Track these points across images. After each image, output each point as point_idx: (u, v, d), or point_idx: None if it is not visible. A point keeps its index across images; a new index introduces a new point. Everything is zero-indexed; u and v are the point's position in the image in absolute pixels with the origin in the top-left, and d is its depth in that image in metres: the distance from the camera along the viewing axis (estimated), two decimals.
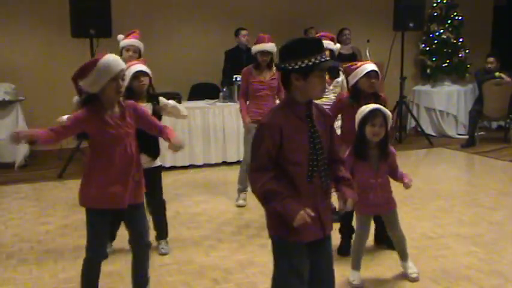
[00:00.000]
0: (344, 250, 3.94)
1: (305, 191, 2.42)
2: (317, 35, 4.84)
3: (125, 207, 2.98)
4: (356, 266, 3.59)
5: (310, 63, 2.33)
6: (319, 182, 2.44)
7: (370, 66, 3.86)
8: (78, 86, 2.88)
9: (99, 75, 2.80)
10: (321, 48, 2.39)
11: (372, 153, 3.41)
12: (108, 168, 2.91)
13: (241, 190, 5.44)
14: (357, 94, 3.90)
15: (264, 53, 5.21)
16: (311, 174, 2.41)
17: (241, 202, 5.38)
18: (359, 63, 3.95)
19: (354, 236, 3.67)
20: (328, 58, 2.44)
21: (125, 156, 2.94)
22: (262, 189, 2.38)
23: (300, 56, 2.34)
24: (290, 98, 2.44)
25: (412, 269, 3.63)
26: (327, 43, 4.61)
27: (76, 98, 3.31)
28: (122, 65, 2.88)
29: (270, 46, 5.22)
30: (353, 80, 3.92)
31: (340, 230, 4.02)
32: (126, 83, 2.98)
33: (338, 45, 4.88)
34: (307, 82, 2.36)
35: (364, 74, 3.83)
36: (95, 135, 2.92)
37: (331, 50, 4.69)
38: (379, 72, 3.90)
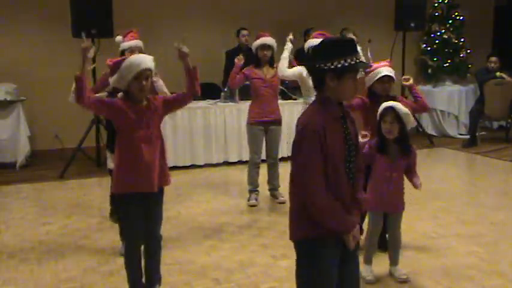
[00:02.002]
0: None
1: (343, 191, 2.38)
2: (313, 34, 4.79)
3: (155, 190, 3.16)
4: (368, 261, 3.66)
5: (346, 64, 2.28)
6: (350, 182, 2.41)
7: (383, 70, 3.84)
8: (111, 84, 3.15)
9: (123, 74, 3.01)
10: (355, 49, 2.34)
11: (391, 148, 3.50)
12: (135, 155, 3.09)
13: (253, 190, 5.44)
14: (373, 97, 3.91)
15: (265, 47, 5.22)
16: (347, 175, 2.39)
17: (253, 202, 5.38)
18: (374, 66, 3.93)
19: (365, 232, 3.70)
20: (362, 60, 2.42)
21: (150, 143, 3.12)
22: (319, 204, 2.30)
23: (336, 55, 2.29)
24: (325, 98, 2.37)
25: (400, 271, 3.64)
26: None
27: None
28: (144, 64, 3.03)
29: (271, 40, 5.24)
30: (368, 83, 3.94)
31: None
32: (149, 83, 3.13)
33: None
34: (340, 83, 2.32)
35: (378, 79, 3.85)
36: (122, 121, 3.09)
37: None
38: (393, 75, 3.88)
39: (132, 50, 4.60)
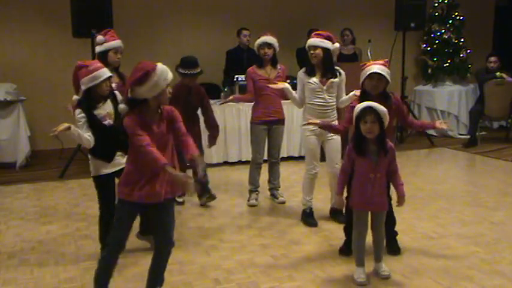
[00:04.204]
0: (346, 250, 3.96)
1: None
2: (312, 34, 4.74)
3: (161, 200, 3.14)
4: (359, 263, 3.64)
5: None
6: None
7: (374, 67, 3.75)
8: (130, 91, 3.06)
9: (158, 82, 3.01)
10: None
11: (370, 148, 3.48)
12: (148, 165, 3.05)
13: (253, 190, 5.44)
14: (365, 95, 3.86)
15: (265, 45, 5.20)
16: None
17: (253, 202, 5.38)
18: (368, 64, 3.85)
19: (353, 233, 3.70)
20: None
21: (164, 154, 3.07)
22: None
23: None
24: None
25: (383, 268, 3.67)
26: (319, 41, 4.54)
27: (76, 97, 3.58)
28: (170, 73, 3.11)
29: (270, 38, 5.21)
30: (361, 80, 3.87)
31: (346, 229, 4.04)
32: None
33: (337, 45, 4.67)
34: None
35: (367, 76, 3.79)
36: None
37: (324, 48, 4.55)
38: (384, 74, 3.73)
39: (117, 50, 4.57)
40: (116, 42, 4.58)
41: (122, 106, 3.37)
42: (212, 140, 5.57)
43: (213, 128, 5.56)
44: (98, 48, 4.59)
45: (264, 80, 5.22)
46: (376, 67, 3.74)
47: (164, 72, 3.05)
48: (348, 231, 3.99)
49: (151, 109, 3.08)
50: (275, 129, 5.34)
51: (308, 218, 4.82)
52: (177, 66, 5.08)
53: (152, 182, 3.09)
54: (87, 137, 3.60)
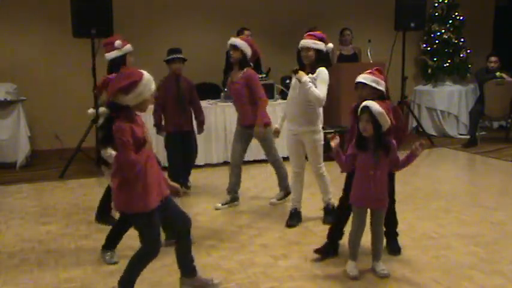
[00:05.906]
0: (322, 251, 3.99)
1: None
2: (305, 35, 4.58)
3: (168, 194, 3.29)
4: (352, 257, 3.69)
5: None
6: None
7: (358, 77, 3.74)
8: (114, 97, 3.06)
9: (144, 90, 3.05)
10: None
11: (370, 145, 3.54)
12: (145, 170, 3.10)
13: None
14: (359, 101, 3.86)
15: (229, 47, 5.12)
16: None
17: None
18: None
19: (351, 229, 3.72)
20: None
21: (152, 157, 3.17)
22: None
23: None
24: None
25: (382, 266, 3.69)
26: (312, 42, 4.45)
27: (91, 110, 3.55)
28: (154, 83, 3.15)
29: (235, 40, 5.07)
30: None
31: (330, 233, 4.03)
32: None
33: (330, 45, 4.58)
34: None
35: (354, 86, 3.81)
36: (135, 141, 3.08)
37: (317, 50, 4.47)
38: (366, 81, 3.68)
39: (131, 53, 4.63)
40: (130, 45, 4.66)
41: (102, 109, 3.36)
42: (201, 126, 5.77)
43: (200, 115, 5.74)
44: (115, 53, 4.58)
45: (230, 84, 5.22)
46: (360, 77, 3.75)
47: (150, 82, 3.09)
48: (331, 234, 4.01)
49: (131, 114, 3.10)
50: (249, 134, 5.21)
51: (289, 218, 4.78)
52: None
53: (156, 182, 3.16)
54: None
